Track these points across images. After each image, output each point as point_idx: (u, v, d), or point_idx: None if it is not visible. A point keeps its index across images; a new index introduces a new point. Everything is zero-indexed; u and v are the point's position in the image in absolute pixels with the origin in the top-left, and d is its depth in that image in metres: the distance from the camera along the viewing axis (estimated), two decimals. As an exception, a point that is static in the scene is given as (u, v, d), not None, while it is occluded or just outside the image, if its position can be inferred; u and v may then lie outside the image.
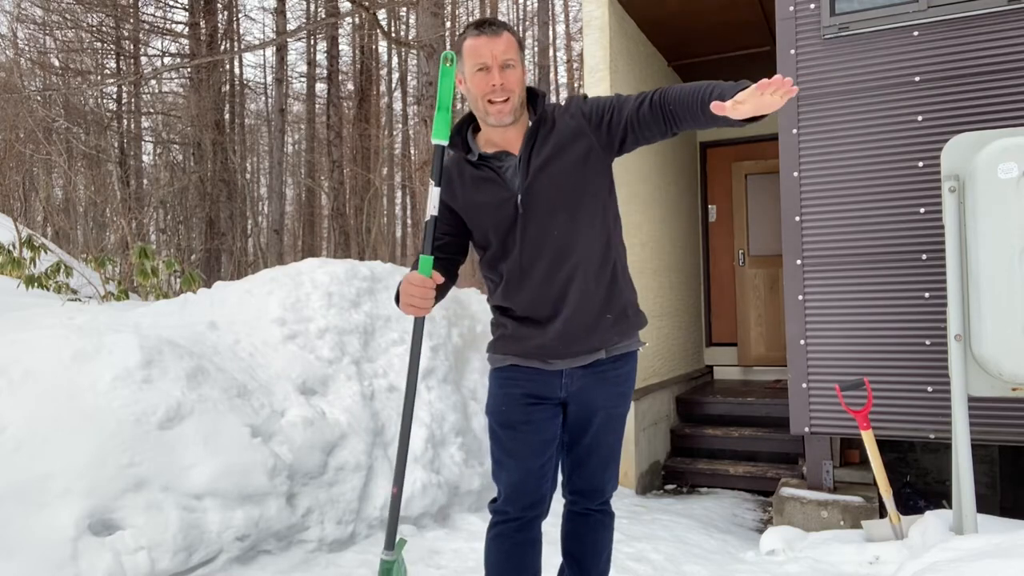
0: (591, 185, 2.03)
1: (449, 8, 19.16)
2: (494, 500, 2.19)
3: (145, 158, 17.36)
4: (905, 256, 3.75)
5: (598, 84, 5.02)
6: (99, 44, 16.41)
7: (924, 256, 3.70)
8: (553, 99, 2.37)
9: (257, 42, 19.11)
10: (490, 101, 1.94)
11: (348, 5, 15.09)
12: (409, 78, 20.38)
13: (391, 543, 2.04)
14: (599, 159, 2.02)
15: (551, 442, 2.13)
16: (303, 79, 19.70)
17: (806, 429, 3.96)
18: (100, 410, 2.80)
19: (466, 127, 2.11)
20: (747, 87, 1.66)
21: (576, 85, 19.88)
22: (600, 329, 2.05)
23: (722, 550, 3.69)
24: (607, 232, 2.07)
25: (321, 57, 18.95)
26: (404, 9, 17.40)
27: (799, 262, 3.98)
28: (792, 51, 4.02)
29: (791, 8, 4.03)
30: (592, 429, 2.13)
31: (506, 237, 2.05)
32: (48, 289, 5.70)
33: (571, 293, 2.02)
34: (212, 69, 14.72)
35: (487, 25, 1.97)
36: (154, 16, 16.57)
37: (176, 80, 16.75)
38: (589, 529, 2.21)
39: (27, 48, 16.64)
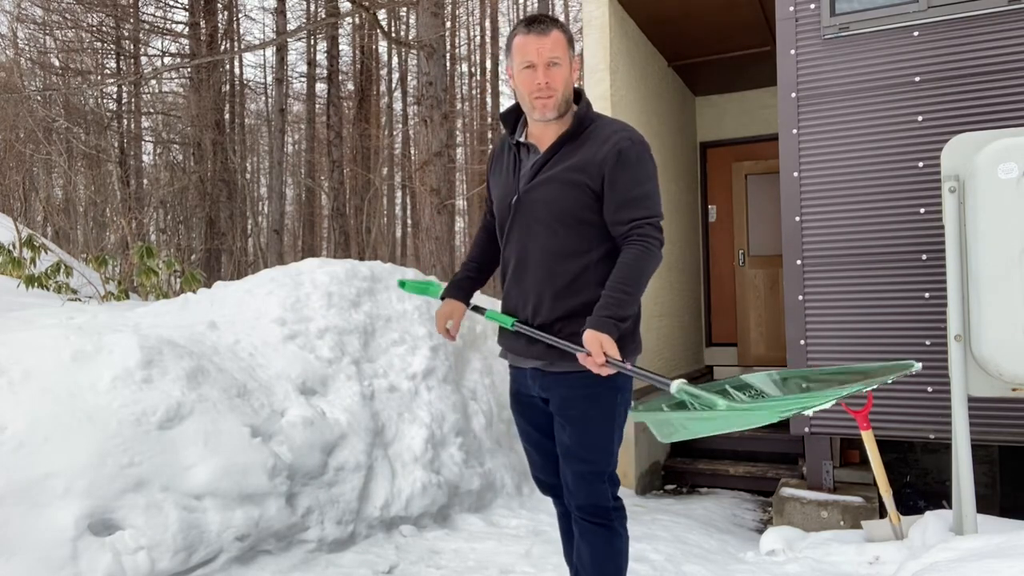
0: (585, 212, 2.02)
1: (449, 8, 19.14)
2: None
3: (145, 158, 17.36)
4: (905, 256, 3.75)
5: (598, 84, 5.01)
6: (99, 44, 16.42)
7: (924, 256, 3.69)
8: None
9: (257, 42, 19.12)
10: (536, 97, 2.01)
11: (348, 5, 15.08)
12: (409, 78, 20.37)
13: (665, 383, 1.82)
14: (595, 200, 2.03)
15: (543, 437, 2.19)
16: (303, 79, 19.71)
17: (806, 429, 3.96)
18: (100, 410, 2.79)
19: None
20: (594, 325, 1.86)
21: (576, 85, 19.83)
22: (544, 343, 2.03)
23: (722, 550, 3.69)
24: (587, 258, 2.04)
25: (321, 57, 18.96)
26: (404, 9, 17.39)
27: (799, 262, 3.98)
28: (792, 51, 4.02)
29: (791, 8, 4.03)
30: (558, 428, 2.12)
31: (502, 228, 2.16)
32: (48, 289, 5.69)
33: (530, 302, 2.08)
34: (212, 69, 14.72)
35: (535, 23, 2.02)
36: (154, 16, 16.58)
37: (176, 80, 16.76)
38: (579, 535, 2.15)
39: (27, 48, 16.65)
